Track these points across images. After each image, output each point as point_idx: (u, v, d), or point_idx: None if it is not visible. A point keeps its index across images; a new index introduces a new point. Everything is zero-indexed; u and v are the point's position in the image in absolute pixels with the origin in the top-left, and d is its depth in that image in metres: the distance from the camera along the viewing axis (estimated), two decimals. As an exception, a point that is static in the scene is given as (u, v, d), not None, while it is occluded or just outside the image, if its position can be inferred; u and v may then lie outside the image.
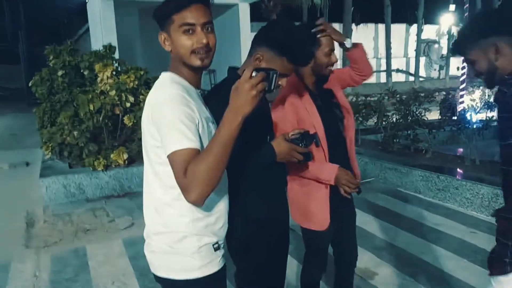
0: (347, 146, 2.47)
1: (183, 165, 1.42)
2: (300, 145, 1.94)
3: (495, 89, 1.73)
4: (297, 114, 2.30)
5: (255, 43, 1.94)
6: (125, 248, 4.28)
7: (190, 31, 1.58)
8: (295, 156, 1.94)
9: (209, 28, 1.61)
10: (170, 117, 1.47)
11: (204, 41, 1.58)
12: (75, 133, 6.02)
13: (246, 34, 14.71)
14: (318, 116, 2.31)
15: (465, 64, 13.63)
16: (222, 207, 1.70)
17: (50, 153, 6.40)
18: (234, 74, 1.98)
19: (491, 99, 10.30)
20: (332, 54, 2.31)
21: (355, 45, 2.48)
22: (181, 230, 1.60)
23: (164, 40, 1.62)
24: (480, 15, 1.88)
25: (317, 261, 2.57)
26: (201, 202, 1.43)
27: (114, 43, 11.15)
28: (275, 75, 1.45)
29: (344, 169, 2.29)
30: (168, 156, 1.46)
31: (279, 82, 1.88)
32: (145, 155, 1.65)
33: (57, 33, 25.07)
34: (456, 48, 1.83)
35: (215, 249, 1.65)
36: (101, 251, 4.25)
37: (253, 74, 1.39)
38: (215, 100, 1.78)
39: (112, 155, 6.07)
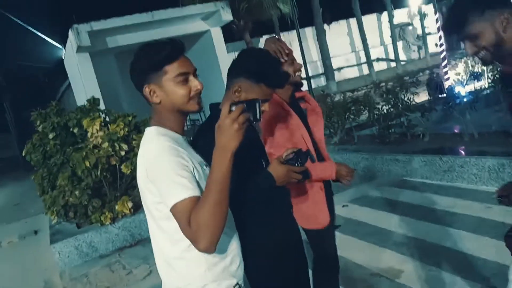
0: (319, 147, 2.60)
1: (186, 216, 1.41)
2: (296, 164, 1.94)
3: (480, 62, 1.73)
4: (287, 132, 2.39)
5: (231, 76, 1.97)
6: (148, 299, 4.25)
7: (185, 80, 1.61)
8: (293, 177, 1.95)
9: (197, 74, 1.67)
10: (165, 170, 1.48)
11: (199, 87, 1.63)
12: (77, 192, 6.00)
13: (224, 56, 14.82)
14: (303, 126, 2.43)
15: (442, 40, 13.73)
16: (234, 246, 1.69)
17: (56, 217, 6.36)
18: (216, 110, 1.98)
19: (476, 69, 10.36)
20: (294, 61, 2.46)
21: None
22: (198, 281, 1.59)
23: (151, 92, 1.62)
24: None
25: (329, 263, 2.62)
26: (212, 248, 1.42)
27: (97, 93, 11.23)
28: (257, 104, 1.48)
29: (340, 163, 2.51)
30: (171, 211, 1.46)
31: (262, 108, 1.90)
32: (147, 212, 1.64)
33: (40, 95, 25.14)
34: (454, 22, 1.71)
35: None
36: (126, 306, 4.21)
37: (232, 108, 1.40)
38: (203, 141, 1.78)
39: (116, 207, 6.05)
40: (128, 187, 6.49)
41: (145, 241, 5.92)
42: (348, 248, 4.03)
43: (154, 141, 1.57)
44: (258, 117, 1.48)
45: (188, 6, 14.74)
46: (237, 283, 1.65)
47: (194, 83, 1.62)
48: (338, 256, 2.66)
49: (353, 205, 5.54)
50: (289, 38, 23.40)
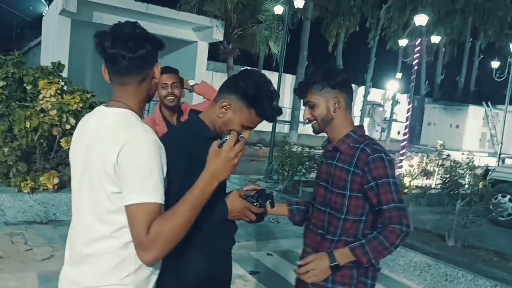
0: None
1: (146, 221, 1.31)
2: (255, 204, 1.84)
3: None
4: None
5: (224, 90, 1.84)
6: (38, 283, 3.92)
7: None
8: (247, 215, 1.83)
9: None
10: (144, 165, 1.36)
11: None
12: (6, 149, 5.61)
13: (202, 71, 14.76)
14: None
15: (407, 130, 14.27)
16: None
17: (-28, 167, 5.91)
18: (195, 118, 1.87)
19: (428, 167, 10.74)
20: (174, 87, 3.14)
21: (198, 84, 3.48)
22: (119, 281, 1.43)
23: (154, 75, 1.56)
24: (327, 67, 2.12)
25: None
26: (155, 263, 1.38)
27: (65, 61, 10.80)
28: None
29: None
30: (129, 206, 1.33)
31: (242, 134, 1.81)
32: (90, 196, 1.45)
33: (8, 42, 24.01)
34: (302, 86, 2.04)
35: None
36: (11, 283, 3.85)
37: (238, 138, 1.49)
38: (175, 147, 1.63)
39: (41, 178, 5.68)
40: (61, 162, 6.14)
41: (58, 223, 5.55)
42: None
43: (137, 128, 1.43)
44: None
45: (184, 12, 14.70)
46: None
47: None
48: None
49: (277, 256, 5.46)
50: (270, 78, 23.69)
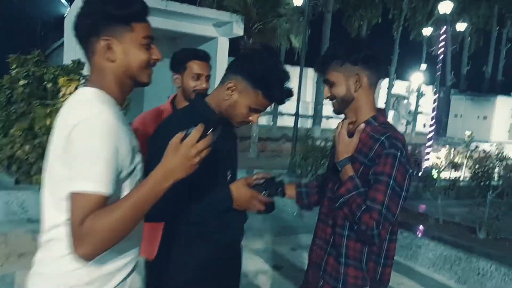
0: None
1: (83, 211, 1.16)
2: (263, 193, 1.71)
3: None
4: None
5: (230, 70, 1.72)
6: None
7: (149, 46, 1.40)
8: (255, 206, 1.71)
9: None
10: (92, 149, 1.20)
11: (159, 56, 1.42)
12: (27, 147, 5.63)
13: (223, 68, 14.41)
14: None
15: (433, 121, 13.94)
16: (129, 258, 1.42)
17: (-4, 165, 5.96)
18: (200, 102, 1.75)
19: (456, 159, 10.46)
20: (206, 81, 2.50)
21: None
22: (76, 278, 1.30)
23: (108, 47, 1.34)
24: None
25: None
26: (90, 259, 1.19)
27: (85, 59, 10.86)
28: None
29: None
30: (71, 193, 1.19)
31: (250, 118, 1.69)
32: (49, 187, 1.33)
33: (32, 45, 24.46)
34: (321, 62, 1.83)
35: None
36: (33, 280, 3.83)
37: (207, 134, 1.22)
38: (165, 132, 1.53)
39: (63, 175, 5.68)
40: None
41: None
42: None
43: (94, 108, 1.27)
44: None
45: (204, 8, 14.63)
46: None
47: (156, 51, 1.42)
48: None
49: (301, 251, 5.33)
50: (292, 72, 23.52)
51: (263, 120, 23.97)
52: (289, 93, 1.72)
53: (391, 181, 1.61)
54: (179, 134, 1.22)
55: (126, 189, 1.32)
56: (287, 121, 23.32)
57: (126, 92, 1.44)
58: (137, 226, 1.27)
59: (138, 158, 1.40)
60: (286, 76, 1.70)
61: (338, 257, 1.74)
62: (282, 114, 24.94)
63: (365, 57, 1.74)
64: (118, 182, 1.28)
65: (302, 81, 13.77)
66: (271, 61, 1.68)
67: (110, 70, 1.36)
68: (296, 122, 10.93)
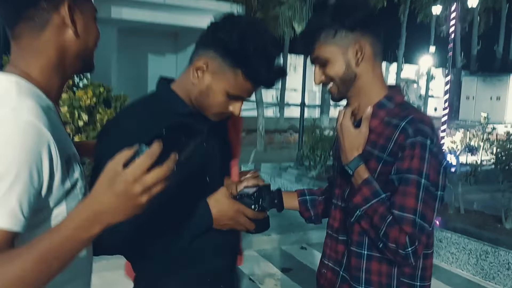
0: None
1: None
2: (254, 206, 1.28)
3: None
4: None
5: (201, 44, 1.28)
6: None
7: (95, 22, 1.10)
8: (242, 223, 1.28)
9: None
10: (5, 165, 0.83)
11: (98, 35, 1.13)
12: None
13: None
14: None
15: (447, 104, 13.45)
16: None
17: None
18: (164, 88, 1.33)
19: (472, 142, 9.99)
20: None
21: None
22: None
23: (65, 18, 1.00)
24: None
25: None
26: None
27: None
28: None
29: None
30: None
31: (230, 108, 1.26)
32: None
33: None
34: (305, 37, 1.37)
35: None
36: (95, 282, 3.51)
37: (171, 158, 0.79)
38: (128, 131, 1.16)
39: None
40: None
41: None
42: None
43: (12, 105, 0.90)
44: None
45: (203, 0, 14.29)
46: None
47: (98, 30, 1.11)
48: None
49: (312, 249, 4.97)
50: (296, 61, 23.26)
51: (270, 112, 23.59)
52: (279, 72, 1.26)
53: (423, 180, 1.21)
54: (124, 153, 0.79)
55: (59, 217, 0.94)
56: (294, 112, 22.89)
57: (64, 82, 1.09)
58: (81, 263, 0.94)
59: (77, 172, 1.02)
60: (274, 49, 1.24)
61: (356, 284, 1.33)
62: (289, 104, 24.49)
63: (364, 19, 1.29)
64: (43, 211, 0.92)
65: (308, 69, 13.37)
66: (253, 27, 1.23)
67: (62, 49, 1.02)
68: (302, 112, 10.52)
